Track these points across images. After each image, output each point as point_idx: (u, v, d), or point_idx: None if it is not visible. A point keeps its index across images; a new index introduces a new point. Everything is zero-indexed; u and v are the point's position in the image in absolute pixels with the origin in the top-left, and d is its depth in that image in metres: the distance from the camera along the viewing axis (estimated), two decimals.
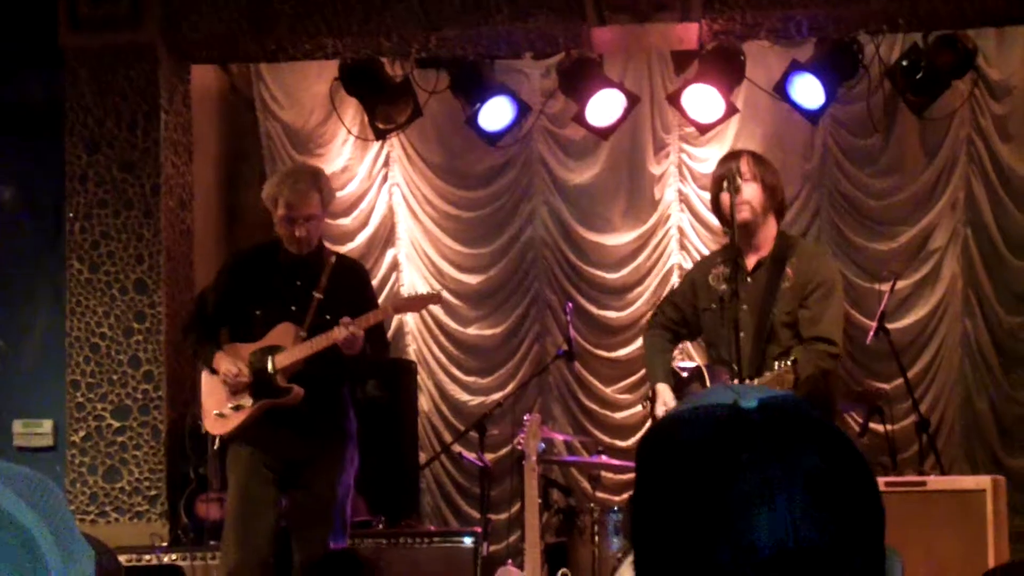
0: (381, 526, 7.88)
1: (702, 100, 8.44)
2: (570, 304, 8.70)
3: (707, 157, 9.00)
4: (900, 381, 8.10)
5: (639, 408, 9.04)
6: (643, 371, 6.38)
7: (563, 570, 7.32)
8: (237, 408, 6.20)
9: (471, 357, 9.75)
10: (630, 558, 6.85)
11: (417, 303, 6.91)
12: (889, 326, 7.74)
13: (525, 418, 6.83)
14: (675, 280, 9.01)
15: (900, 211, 9.30)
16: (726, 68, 8.34)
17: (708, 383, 5.74)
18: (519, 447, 6.79)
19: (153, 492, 7.95)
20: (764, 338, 5.68)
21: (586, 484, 8.69)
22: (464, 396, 9.69)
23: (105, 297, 8.02)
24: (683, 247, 9.44)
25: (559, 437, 8.79)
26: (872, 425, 7.95)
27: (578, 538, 7.56)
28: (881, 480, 6.02)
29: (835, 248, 9.15)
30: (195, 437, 7.73)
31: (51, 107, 8.20)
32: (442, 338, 9.75)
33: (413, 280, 9.76)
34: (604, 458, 7.94)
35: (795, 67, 8.44)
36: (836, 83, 8.48)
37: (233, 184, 9.83)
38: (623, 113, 8.66)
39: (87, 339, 8.01)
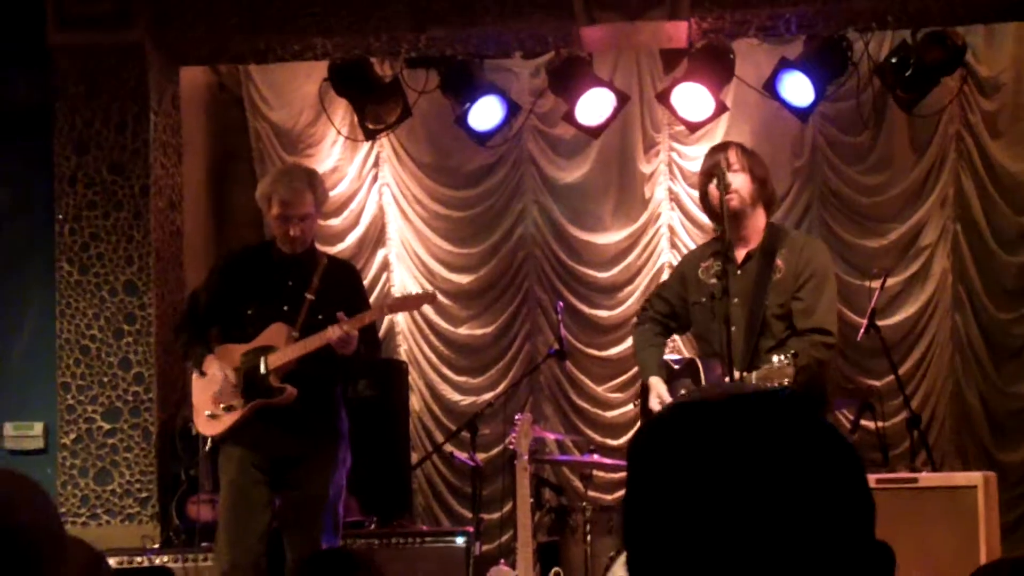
0: (373, 526, 7.88)
1: (692, 98, 8.44)
2: (561, 303, 8.69)
3: (697, 155, 8.98)
4: (891, 378, 8.10)
5: (631, 407, 9.05)
6: (635, 370, 6.37)
7: (555, 569, 7.32)
8: (229, 409, 6.19)
9: (462, 357, 9.75)
10: (623, 557, 6.85)
11: (411, 302, 6.90)
12: (880, 323, 7.75)
13: (516, 417, 6.83)
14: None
15: (890, 208, 9.31)
16: (715, 66, 8.33)
17: (702, 376, 5.73)
18: (511, 446, 6.78)
19: (144, 494, 7.94)
20: (756, 331, 5.66)
21: (578, 483, 8.67)
22: (455, 396, 9.69)
23: (95, 299, 8.01)
24: (674, 245, 9.44)
25: (551, 436, 8.79)
26: (863, 422, 7.94)
27: (570, 537, 7.55)
28: (872, 477, 6.03)
29: (825, 245, 9.14)
30: (186, 438, 7.72)
31: (40, 107, 8.17)
32: (433, 338, 9.75)
33: (404, 280, 9.75)
34: (596, 457, 7.93)
35: (784, 65, 8.44)
36: (825, 80, 8.48)
37: (223, 184, 9.82)
38: (613, 112, 8.65)
39: (77, 341, 8.00)
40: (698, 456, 1.36)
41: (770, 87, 8.51)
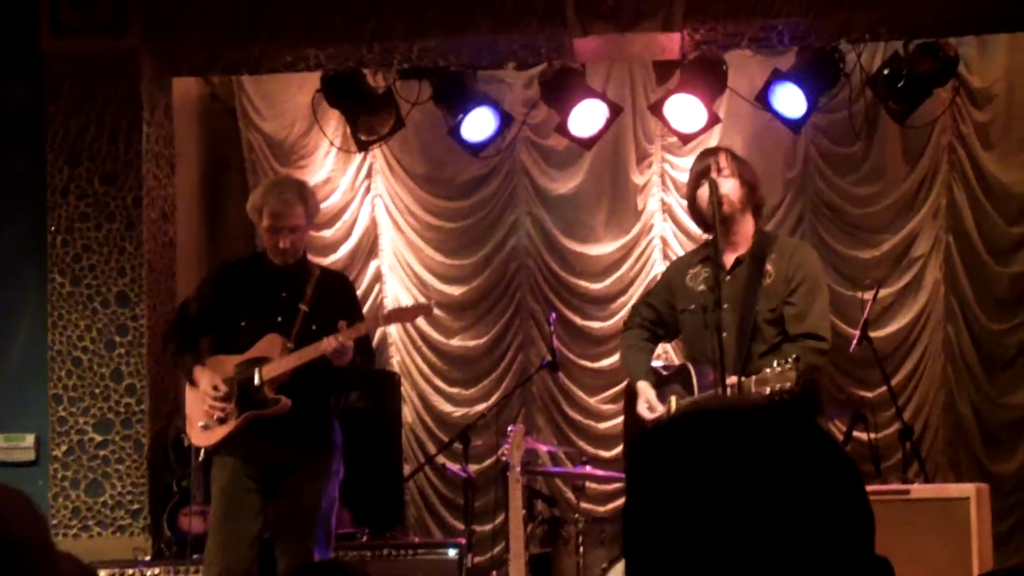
0: (365, 538, 7.86)
1: (684, 110, 8.44)
2: (553, 314, 8.69)
3: (690, 167, 9.00)
4: (883, 389, 8.11)
5: (623, 417, 9.04)
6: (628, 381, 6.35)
7: None
8: (222, 420, 6.18)
9: (455, 368, 9.75)
10: (615, 568, 6.84)
11: (408, 313, 6.88)
12: (872, 334, 7.75)
13: (509, 429, 6.82)
14: None
15: (882, 218, 9.32)
16: (708, 77, 8.34)
17: (694, 382, 5.70)
18: (503, 458, 6.77)
19: (136, 506, 7.92)
20: (748, 336, 5.63)
21: (570, 494, 8.67)
22: (448, 407, 9.68)
23: (87, 310, 7.99)
24: (666, 256, 9.44)
25: (543, 448, 8.78)
26: (856, 433, 7.95)
27: (563, 548, 7.55)
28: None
29: (816, 251, 9.16)
30: (178, 450, 7.71)
31: (32, 116, 8.15)
32: (425, 349, 9.74)
33: (396, 291, 9.75)
34: (588, 468, 7.93)
35: (777, 76, 8.45)
36: (818, 92, 8.49)
37: (215, 195, 9.81)
38: (606, 123, 8.65)
39: (69, 353, 7.98)
40: (699, 467, 1.36)
41: (763, 98, 8.52)
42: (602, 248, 9.65)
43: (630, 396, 6.11)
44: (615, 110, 8.69)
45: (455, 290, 9.75)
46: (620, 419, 9.16)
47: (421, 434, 9.66)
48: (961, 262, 9.23)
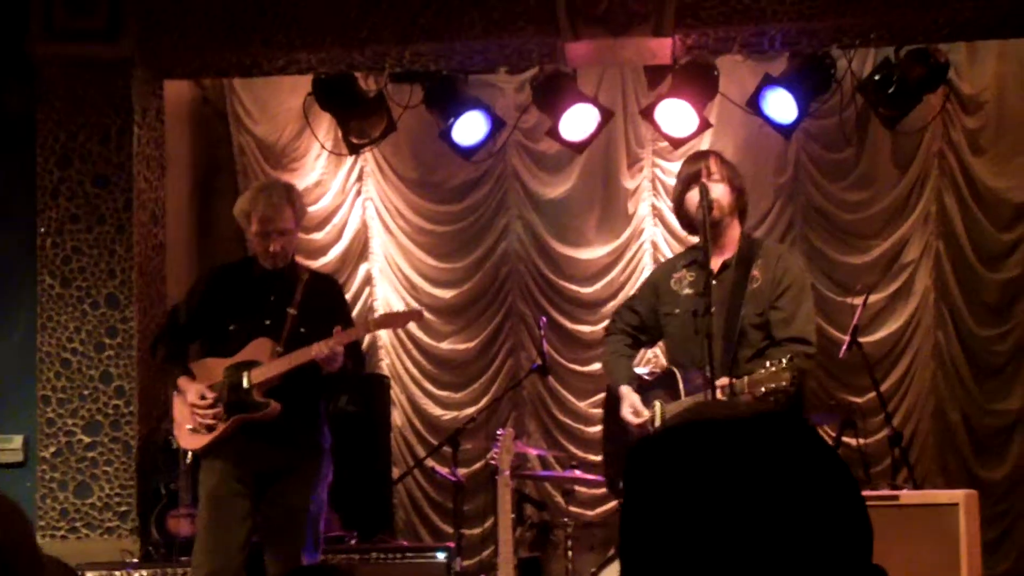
0: (354, 541, 7.85)
1: (676, 115, 8.44)
2: (544, 318, 8.69)
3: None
4: (873, 394, 8.10)
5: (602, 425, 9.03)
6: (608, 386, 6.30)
7: None
8: (211, 427, 6.16)
9: (445, 371, 9.74)
10: (604, 572, 6.83)
11: (398, 320, 6.87)
12: (862, 339, 7.75)
13: (499, 432, 6.82)
14: None
15: (873, 224, 9.33)
16: (699, 83, 8.34)
17: (680, 386, 5.70)
18: (493, 462, 6.76)
19: (124, 508, 7.91)
20: (734, 340, 5.64)
21: (560, 498, 8.67)
22: (437, 411, 9.67)
23: (76, 312, 7.98)
24: (656, 261, 9.43)
25: (533, 452, 8.78)
26: (845, 439, 7.95)
27: (552, 552, 7.55)
28: None
29: (808, 261, 9.16)
30: (166, 452, 7.70)
31: (23, 118, 8.14)
32: (415, 352, 9.74)
33: (387, 295, 9.75)
34: (578, 472, 7.93)
35: (768, 81, 8.45)
36: (809, 97, 8.50)
37: (206, 198, 9.80)
38: (597, 127, 8.65)
39: (58, 354, 7.97)
40: (697, 476, 1.35)
41: (754, 104, 8.52)
42: (593, 252, 9.65)
43: (610, 402, 6.11)
44: (606, 115, 8.69)
45: (446, 294, 9.75)
46: None
47: (410, 437, 9.65)
48: (951, 268, 9.24)
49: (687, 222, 5.93)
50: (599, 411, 9.41)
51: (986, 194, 9.17)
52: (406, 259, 9.79)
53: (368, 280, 9.82)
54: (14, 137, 8.19)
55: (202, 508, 6.23)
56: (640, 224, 9.61)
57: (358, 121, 8.96)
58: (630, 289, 9.46)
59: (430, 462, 8.80)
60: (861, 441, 7.93)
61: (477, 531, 9.03)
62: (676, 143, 8.77)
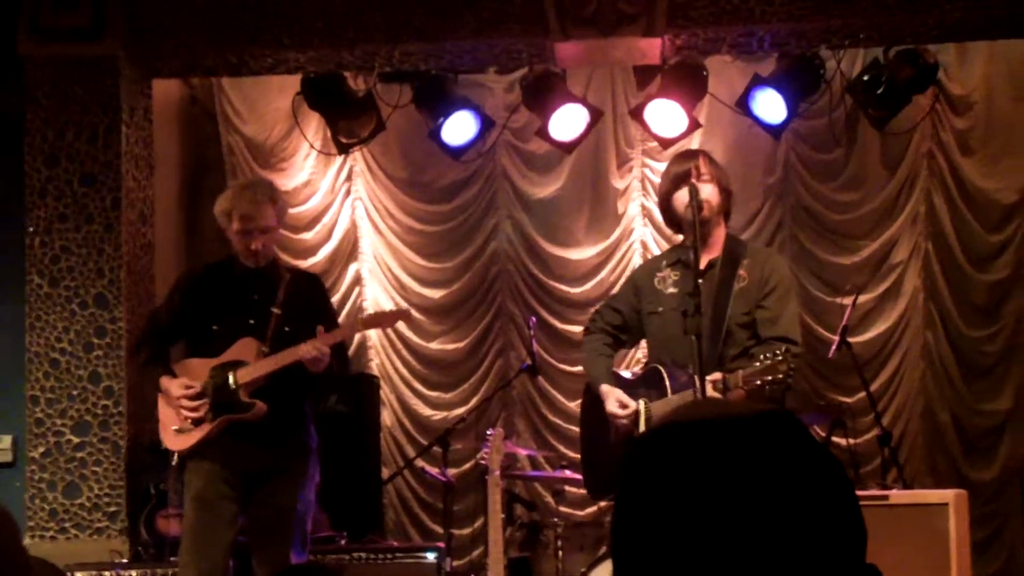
0: (344, 541, 7.84)
1: (665, 115, 8.44)
2: (533, 318, 8.69)
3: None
4: (862, 394, 8.12)
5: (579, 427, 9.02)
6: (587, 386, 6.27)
7: None
8: (197, 422, 6.15)
9: (434, 371, 9.73)
10: (593, 573, 6.83)
11: (385, 319, 6.85)
12: (851, 340, 7.75)
13: (488, 433, 6.82)
14: None
15: (862, 225, 9.34)
16: (689, 83, 8.34)
17: (667, 384, 5.69)
18: (482, 462, 6.76)
19: (113, 508, 7.89)
20: (720, 339, 5.64)
21: (550, 499, 8.66)
22: (427, 411, 9.67)
23: (65, 312, 7.96)
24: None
25: (522, 452, 8.78)
26: (835, 439, 7.95)
27: (542, 553, 7.54)
28: None
29: (797, 262, 9.18)
30: (156, 452, 7.67)
31: (12, 117, 8.13)
32: (405, 352, 9.73)
33: (376, 295, 9.74)
34: (568, 472, 7.92)
35: (757, 82, 8.45)
36: (798, 98, 8.50)
37: (194, 197, 9.79)
38: (586, 127, 8.65)
39: (47, 354, 7.95)
40: (690, 475, 1.35)
41: (743, 104, 8.52)
42: (582, 252, 9.65)
43: (587, 403, 6.10)
44: (596, 115, 8.68)
45: (435, 294, 9.75)
46: None
47: (400, 438, 9.64)
48: (940, 269, 9.25)
49: (673, 220, 5.93)
50: None
51: (975, 195, 9.18)
52: (395, 259, 9.78)
53: (357, 280, 9.81)
54: (2, 136, 8.17)
55: (188, 512, 6.19)
56: (630, 224, 9.61)
57: (347, 121, 8.94)
58: None
59: (420, 462, 8.79)
60: (851, 441, 7.92)
61: (467, 531, 9.03)
62: (665, 143, 8.76)
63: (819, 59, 8.48)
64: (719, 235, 5.87)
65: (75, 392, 7.93)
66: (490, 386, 9.52)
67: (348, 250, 9.82)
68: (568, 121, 8.61)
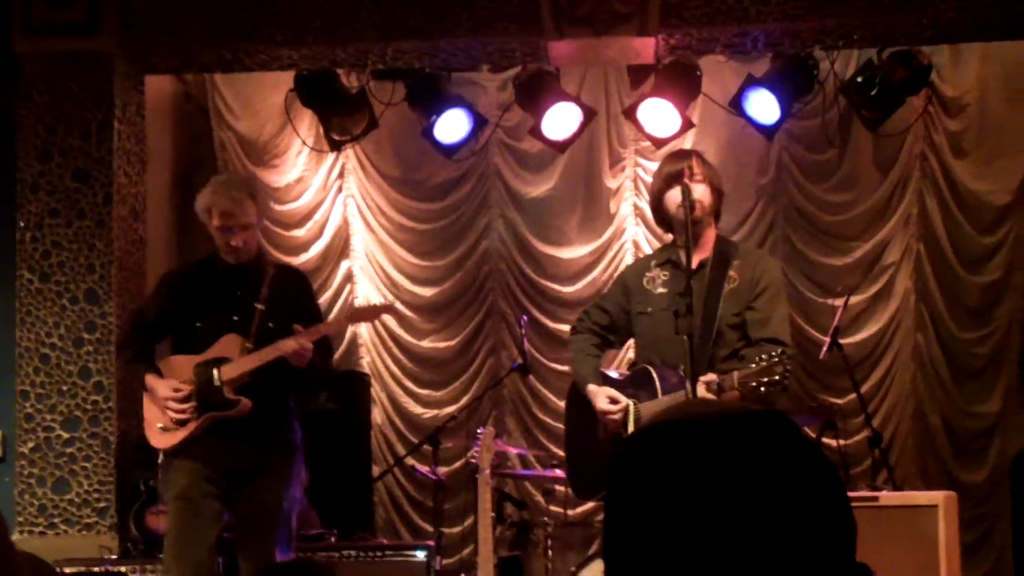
0: (333, 539, 7.83)
1: (658, 114, 8.44)
2: (525, 317, 8.68)
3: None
4: (853, 396, 8.11)
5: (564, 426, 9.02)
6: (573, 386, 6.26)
7: None
8: (182, 422, 6.11)
9: (425, 370, 9.73)
10: (583, 572, 6.83)
11: (370, 313, 6.83)
12: (843, 341, 7.74)
13: (479, 431, 6.81)
14: None
15: (854, 226, 9.34)
16: (682, 83, 8.34)
17: (657, 385, 5.67)
18: (473, 460, 6.76)
19: (103, 504, 7.88)
20: (711, 340, 5.63)
21: (540, 498, 8.67)
22: (418, 409, 9.66)
23: (55, 307, 7.95)
24: None
25: (513, 451, 8.77)
26: (825, 440, 7.96)
27: (532, 552, 7.54)
28: None
29: (789, 262, 9.19)
30: (146, 449, 7.65)
31: (3, 112, 8.11)
32: (396, 350, 9.72)
33: (367, 292, 9.73)
34: (558, 472, 7.92)
35: (751, 82, 8.46)
36: (791, 98, 8.51)
37: (187, 193, 9.73)
38: (579, 126, 8.65)
39: (37, 349, 7.93)
40: (683, 475, 1.35)
41: (736, 104, 8.53)
42: (574, 251, 9.65)
43: (573, 403, 6.09)
44: (589, 114, 8.68)
45: (427, 292, 9.74)
46: None
47: (391, 436, 9.64)
48: (932, 270, 9.26)
49: (663, 220, 5.92)
50: None
51: (967, 197, 9.19)
52: (387, 257, 9.78)
53: (349, 277, 9.80)
54: None
55: (172, 510, 6.15)
56: (622, 224, 9.61)
57: (340, 118, 8.94)
58: None
59: (410, 460, 8.79)
60: (841, 442, 7.93)
61: (457, 530, 9.03)
62: (658, 143, 8.77)
63: (813, 60, 8.49)
64: (710, 236, 5.86)
65: (65, 387, 7.91)
66: (481, 385, 9.52)
67: (340, 247, 9.82)
68: (561, 120, 8.62)
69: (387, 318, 9.56)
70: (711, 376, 5.43)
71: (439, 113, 8.68)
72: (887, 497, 6.24)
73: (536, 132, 8.72)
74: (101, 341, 7.90)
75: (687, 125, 8.51)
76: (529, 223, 9.70)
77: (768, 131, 8.63)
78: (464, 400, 9.37)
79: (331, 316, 8.70)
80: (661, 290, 5.83)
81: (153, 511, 7.61)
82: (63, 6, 8.00)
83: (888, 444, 8.76)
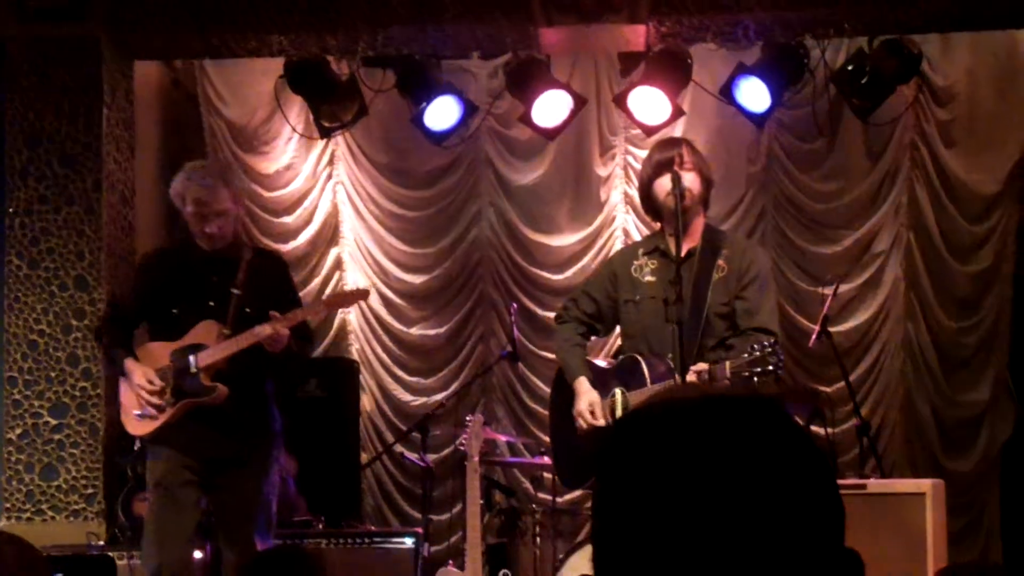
0: (321, 526, 7.84)
1: (648, 102, 8.44)
2: (515, 305, 8.67)
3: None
4: (842, 384, 8.12)
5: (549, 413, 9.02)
6: (558, 374, 6.24)
7: (504, 571, 7.31)
8: (159, 409, 6.07)
9: (414, 357, 9.72)
10: (572, 559, 6.83)
11: (347, 299, 6.80)
12: (832, 329, 7.75)
13: (468, 419, 6.81)
14: None
15: (844, 215, 9.34)
16: (672, 70, 8.34)
17: (646, 374, 5.66)
18: (461, 448, 6.76)
19: (90, 490, 7.87)
20: (699, 329, 5.62)
21: (528, 485, 8.67)
22: (407, 396, 9.65)
23: (44, 293, 7.94)
24: None
25: (502, 438, 8.77)
26: (813, 428, 7.97)
27: (519, 539, 7.54)
28: None
29: (779, 251, 9.19)
30: (133, 436, 7.66)
31: None
32: (385, 338, 9.71)
33: (357, 279, 9.71)
34: (546, 459, 7.92)
35: (741, 70, 8.45)
36: (782, 87, 8.50)
37: None
38: (569, 114, 8.64)
39: (25, 336, 7.93)
40: (671, 461, 1.34)
41: (727, 92, 8.53)
42: (564, 239, 9.64)
43: (559, 391, 6.08)
44: (579, 101, 8.68)
45: (416, 279, 9.72)
46: None
47: (379, 423, 9.63)
48: (922, 259, 9.26)
49: (652, 208, 5.90)
50: None
51: (957, 186, 9.19)
52: (377, 244, 9.76)
53: (338, 264, 9.79)
54: None
55: (151, 498, 6.13)
56: (612, 212, 9.60)
57: (329, 105, 8.92)
58: None
59: (399, 448, 8.79)
60: (829, 430, 7.94)
61: (445, 517, 9.02)
62: (649, 131, 8.76)
63: (803, 48, 8.48)
64: (698, 224, 5.85)
65: (53, 374, 7.90)
66: (470, 372, 9.51)
67: (329, 234, 9.80)
68: (551, 107, 8.61)
69: (377, 305, 9.55)
70: (702, 365, 5.42)
71: (429, 100, 8.66)
72: (875, 485, 6.26)
73: (526, 119, 8.71)
74: (90, 327, 7.89)
75: (677, 113, 8.50)
76: (519, 211, 9.69)
77: (758, 119, 8.62)
78: (453, 388, 9.36)
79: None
80: (649, 278, 5.82)
81: (140, 498, 7.60)
82: None
83: (876, 432, 8.76)
